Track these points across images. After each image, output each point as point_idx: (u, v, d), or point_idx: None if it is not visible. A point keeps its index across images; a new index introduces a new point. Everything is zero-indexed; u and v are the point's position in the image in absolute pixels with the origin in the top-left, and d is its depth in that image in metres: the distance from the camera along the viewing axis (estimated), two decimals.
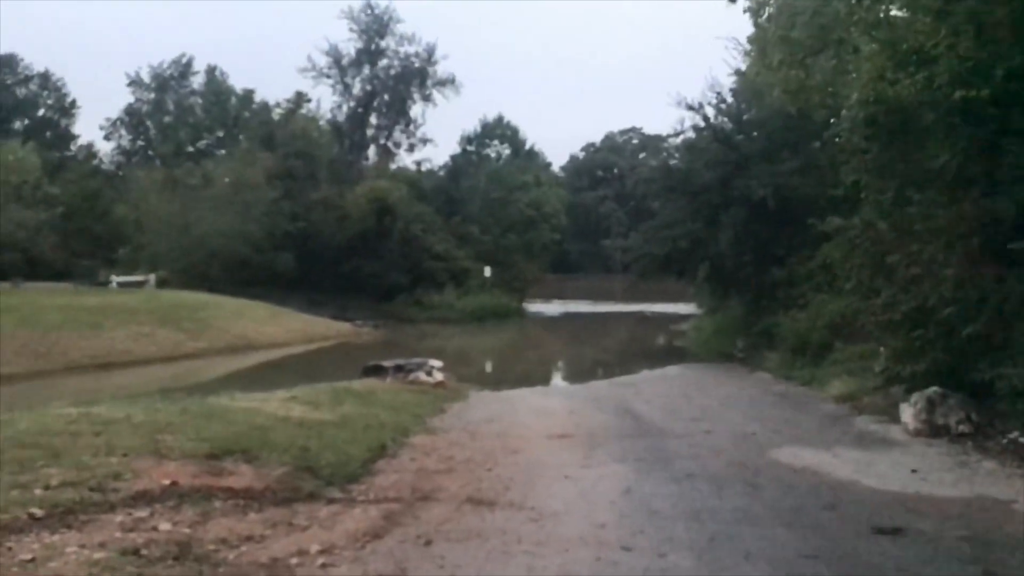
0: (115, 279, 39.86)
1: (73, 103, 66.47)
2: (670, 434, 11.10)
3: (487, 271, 41.94)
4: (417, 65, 50.85)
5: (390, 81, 50.88)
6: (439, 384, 16.38)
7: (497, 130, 49.98)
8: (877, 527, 6.15)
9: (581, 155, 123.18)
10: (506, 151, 49.79)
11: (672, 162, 22.39)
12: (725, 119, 21.78)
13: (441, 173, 49.12)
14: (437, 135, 52.08)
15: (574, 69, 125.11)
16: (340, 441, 8.93)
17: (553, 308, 49.84)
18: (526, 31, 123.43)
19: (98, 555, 4.55)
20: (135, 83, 65.93)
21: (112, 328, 24.57)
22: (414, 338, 33.37)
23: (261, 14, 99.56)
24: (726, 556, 5.50)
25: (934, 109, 10.86)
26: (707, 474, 8.20)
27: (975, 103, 9.66)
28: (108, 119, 67.08)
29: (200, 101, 64.91)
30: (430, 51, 50.49)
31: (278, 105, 52.07)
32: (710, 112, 21.95)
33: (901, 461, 8.74)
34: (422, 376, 16.36)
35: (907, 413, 10.49)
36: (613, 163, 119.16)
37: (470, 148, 49.43)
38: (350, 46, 50.40)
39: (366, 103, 50.77)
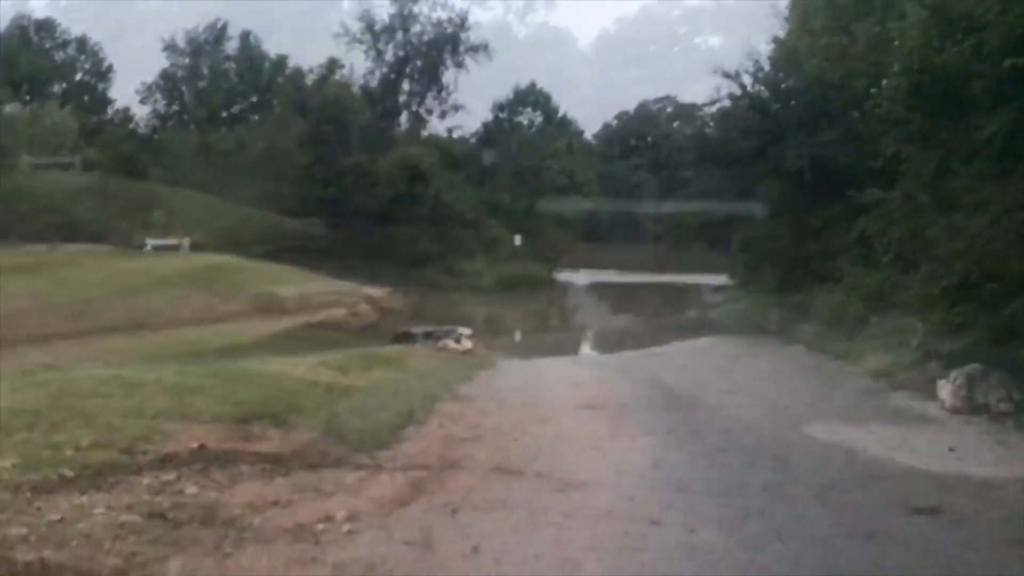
0: (150, 242, 40.19)
1: (110, 68, 66.70)
2: (701, 406, 10.99)
3: (517, 239, 41.73)
4: (449, 31, 50.41)
5: (423, 47, 50.47)
6: (467, 352, 16.39)
7: (529, 97, 49.47)
8: (914, 507, 6.00)
9: (614, 123, 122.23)
10: (538, 118, 49.29)
11: (707, 131, 21.93)
12: (762, 88, 21.30)
13: (472, 140, 48.78)
14: (469, 102, 51.72)
15: (606, 37, 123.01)
16: (368, 407, 8.91)
17: (584, 278, 49.57)
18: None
19: (125, 517, 4.56)
20: (170, 48, 66.16)
21: (146, 291, 24.82)
22: (444, 305, 33.39)
23: None
24: (757, 533, 5.40)
25: (982, 78, 10.49)
26: (738, 448, 8.09)
27: None
28: (144, 83, 67.78)
29: (234, 66, 65.01)
30: (463, 17, 50.09)
31: (311, 71, 51.99)
32: (747, 81, 21.48)
33: (938, 439, 8.56)
34: (451, 344, 16.37)
35: (945, 390, 10.25)
36: (647, 132, 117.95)
37: (502, 115, 49.03)
38: (383, 12, 50.17)
39: (399, 69, 50.47)
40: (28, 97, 52.83)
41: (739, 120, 21.17)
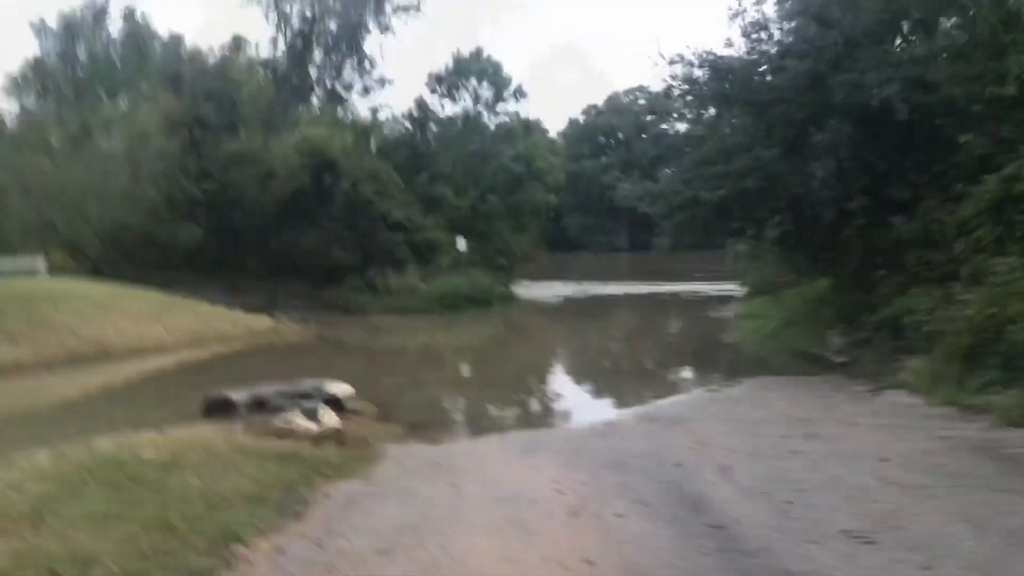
0: None
1: None
2: None
3: (461, 244, 35.24)
4: None
5: (337, 5, 43.98)
6: (328, 433, 9.81)
7: (474, 66, 43.08)
8: None
9: (581, 119, 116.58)
10: (487, 92, 42.93)
11: (727, 60, 15.66)
12: None
13: (403, 121, 42.24)
14: (399, 77, 45.34)
15: (572, 22, 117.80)
16: None
17: (551, 291, 43.26)
18: None
19: None
20: (41, 31, 59.25)
21: None
22: (356, 335, 26.80)
23: None
24: None
25: None
26: None
27: None
28: (7, 75, 60.71)
29: (119, 50, 58.30)
30: None
31: (211, 51, 45.46)
32: None
33: None
34: (298, 421, 9.76)
35: None
36: (617, 127, 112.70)
37: (440, 88, 42.57)
38: None
39: (307, 33, 43.88)
40: None
41: (781, 34, 14.85)
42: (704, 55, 15.60)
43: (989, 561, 5.55)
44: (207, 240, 35.50)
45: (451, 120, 42.59)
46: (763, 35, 15.42)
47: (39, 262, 33.12)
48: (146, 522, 6.35)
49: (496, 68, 43.96)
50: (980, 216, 12.35)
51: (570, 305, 37.59)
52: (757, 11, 15.37)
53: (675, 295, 38.97)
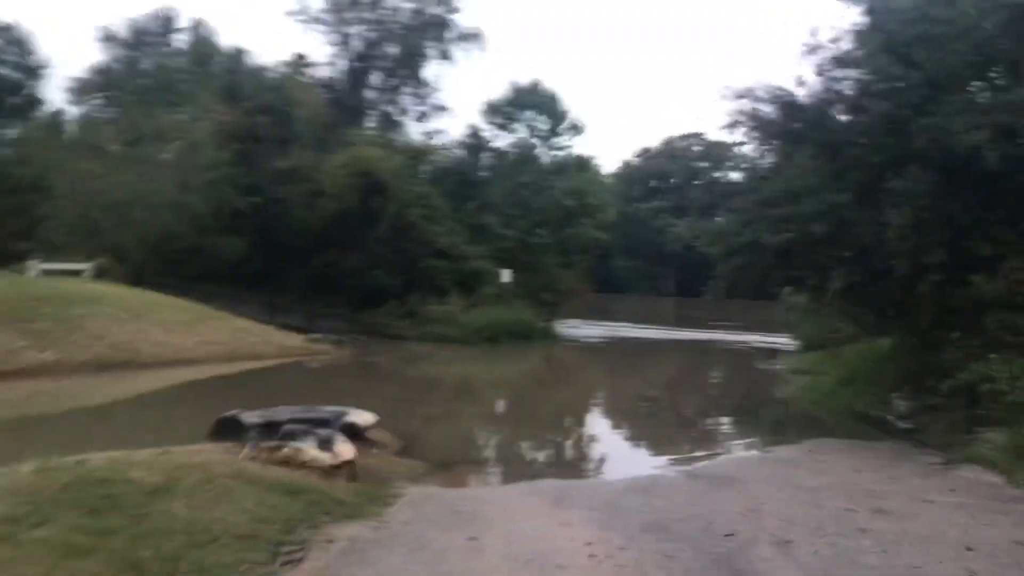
0: (37, 265, 33.21)
1: (42, 63, 60.51)
2: None
3: (506, 275, 34.37)
4: (434, 12, 43.70)
5: (399, 30, 43.80)
6: (342, 466, 8.94)
7: (531, 97, 42.51)
8: None
9: (635, 161, 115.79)
10: (542, 124, 42.28)
11: (798, 99, 14.68)
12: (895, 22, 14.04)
13: (456, 149, 41.68)
14: (456, 106, 44.89)
15: (632, 63, 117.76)
16: None
17: (594, 331, 42.18)
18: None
19: None
20: (109, 39, 60.29)
21: None
22: (390, 361, 26.03)
23: None
24: None
25: None
26: None
27: None
28: (76, 80, 61.79)
29: (183, 61, 59.08)
30: None
31: (272, 68, 45.64)
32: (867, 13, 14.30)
33: None
34: (309, 450, 8.90)
35: None
36: (671, 172, 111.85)
37: (495, 119, 42.04)
38: None
39: (366, 56, 43.72)
40: None
41: (858, 76, 13.82)
42: (775, 90, 14.66)
43: None
44: (250, 254, 35.13)
45: (504, 150, 41.97)
46: (839, 73, 14.40)
47: (85, 265, 33.05)
48: (113, 558, 5.55)
49: (553, 100, 43.32)
50: None
51: (613, 347, 36.48)
52: (835, 46, 14.38)
53: (722, 344, 37.62)
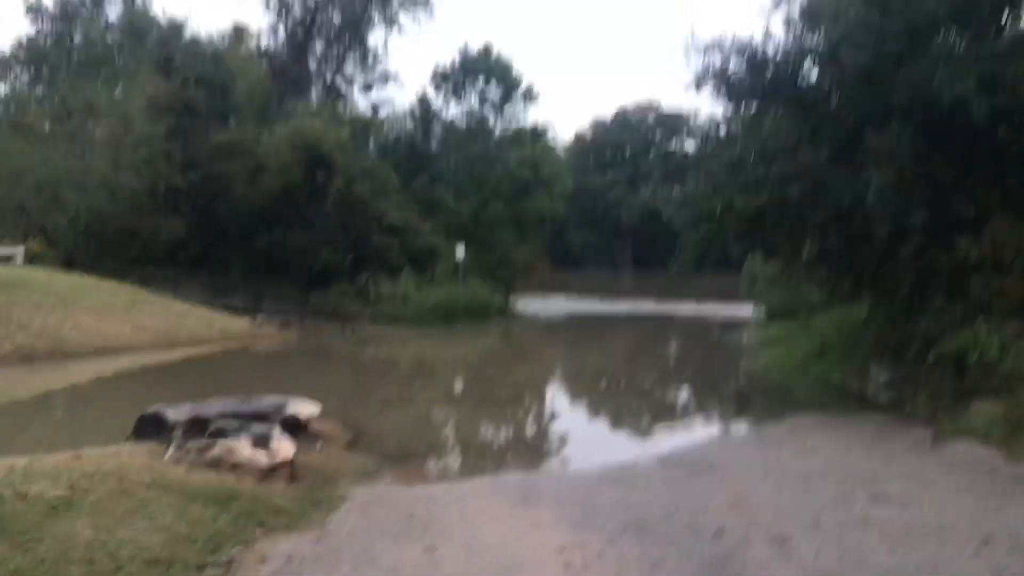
0: None
1: None
2: None
3: (460, 251, 33.40)
4: None
5: None
6: (280, 466, 8.01)
7: (482, 64, 41.35)
8: None
9: (588, 133, 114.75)
10: (494, 93, 41.17)
11: (768, 55, 13.85)
12: None
13: (405, 120, 40.41)
14: (405, 76, 43.51)
15: (583, 29, 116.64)
16: None
17: (552, 307, 41.51)
18: None
19: None
20: (36, 11, 57.78)
21: None
22: (340, 344, 25.00)
23: None
24: None
25: None
26: None
27: None
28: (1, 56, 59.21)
29: (116, 34, 56.83)
30: None
31: (210, 40, 43.87)
32: None
33: None
34: (243, 449, 7.94)
35: None
36: (625, 143, 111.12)
37: (445, 87, 40.83)
38: None
39: (308, 24, 42.21)
40: None
41: (833, 21, 13.01)
42: (743, 44, 13.83)
43: None
44: (190, 235, 33.66)
45: (455, 120, 40.86)
46: (810, 25, 13.62)
47: (15, 250, 31.43)
48: None
49: (505, 68, 42.25)
50: None
51: (573, 323, 35.80)
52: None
53: (684, 316, 37.17)
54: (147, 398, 14.65)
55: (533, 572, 5.76)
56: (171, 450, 8.27)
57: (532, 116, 41.62)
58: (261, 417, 9.22)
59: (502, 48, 39.42)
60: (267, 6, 42.49)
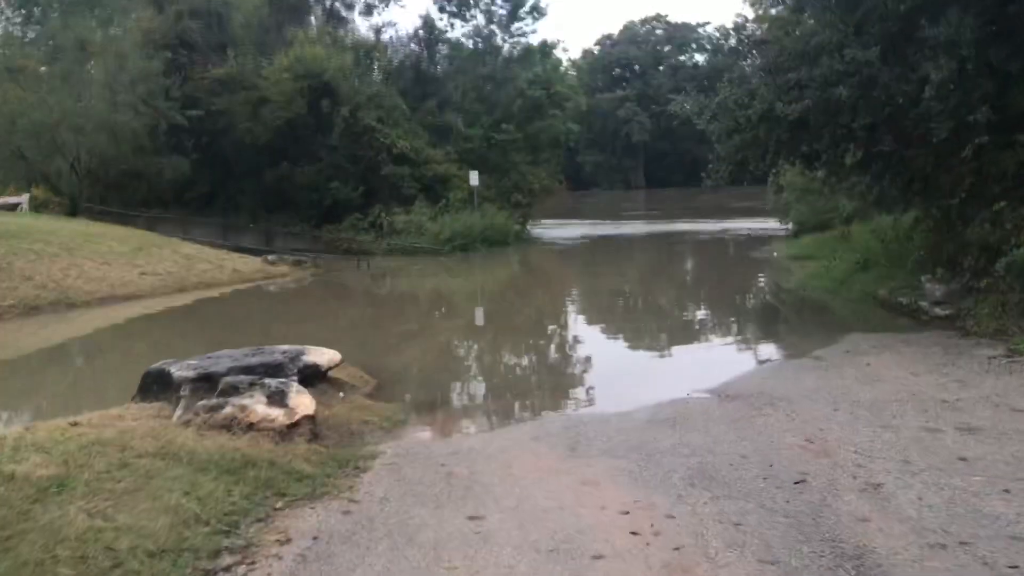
0: None
1: None
2: None
3: (474, 178, 32.31)
4: None
5: None
6: (299, 423, 7.23)
7: None
8: None
9: (596, 50, 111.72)
10: (500, 10, 39.50)
11: None
12: None
13: (409, 44, 38.87)
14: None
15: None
16: None
17: (569, 230, 40.52)
18: None
19: None
20: None
21: None
22: (356, 279, 24.22)
23: None
24: None
25: None
26: None
27: None
28: None
29: None
30: None
31: None
32: None
33: None
34: (257, 407, 7.16)
35: None
36: (633, 58, 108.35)
37: (449, 7, 39.16)
38: None
39: None
40: None
41: None
42: None
43: None
44: (196, 174, 32.79)
45: (461, 41, 39.30)
46: None
47: (22, 199, 30.67)
48: None
49: None
50: None
51: (594, 245, 34.83)
52: None
53: (707, 233, 36.13)
54: (155, 349, 13.99)
55: (599, 545, 4.96)
56: (179, 411, 7.50)
57: (540, 34, 39.75)
58: (276, 369, 8.42)
59: None
60: None
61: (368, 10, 40.85)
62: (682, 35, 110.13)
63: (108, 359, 13.95)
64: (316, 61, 30.96)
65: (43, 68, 33.48)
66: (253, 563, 4.84)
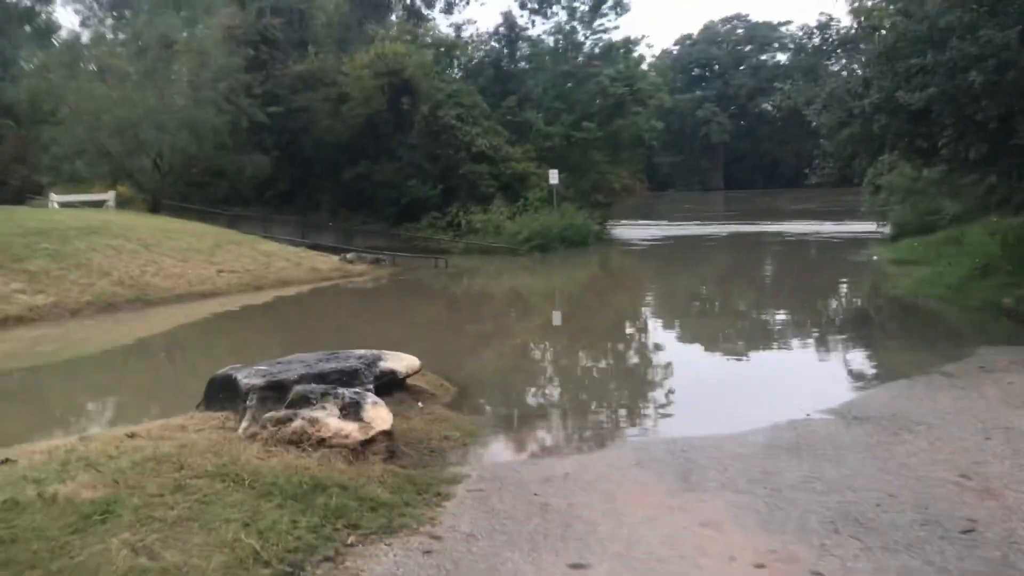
0: (55, 198, 31.25)
1: None
2: None
3: (553, 176, 31.40)
4: None
5: None
6: (375, 440, 6.44)
7: None
8: None
9: (674, 50, 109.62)
10: (582, 6, 38.50)
11: None
12: None
13: (490, 41, 38.13)
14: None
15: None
16: None
17: (649, 231, 39.33)
18: None
19: None
20: None
21: None
22: (433, 278, 23.53)
23: None
24: None
25: None
26: None
27: None
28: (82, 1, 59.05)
29: None
30: None
31: None
32: None
33: None
34: (329, 420, 6.39)
35: None
36: (713, 58, 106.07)
37: (530, 4, 38.29)
38: None
39: None
40: None
41: None
42: None
43: None
44: (276, 172, 32.66)
45: (542, 38, 38.37)
46: None
47: (108, 196, 30.93)
48: None
49: None
50: None
51: (677, 247, 33.58)
52: None
53: (793, 235, 34.55)
54: (230, 349, 13.46)
55: None
56: (244, 423, 6.79)
57: (623, 30, 38.60)
58: (351, 376, 7.68)
59: None
60: None
61: (448, 8, 40.42)
62: (763, 34, 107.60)
63: (181, 359, 13.48)
64: (396, 58, 30.45)
65: (131, 69, 33.73)
66: None
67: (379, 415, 6.73)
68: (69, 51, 41.54)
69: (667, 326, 15.50)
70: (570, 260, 27.80)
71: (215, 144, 31.01)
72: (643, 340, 13.99)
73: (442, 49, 35.07)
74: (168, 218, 26.84)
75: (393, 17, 40.62)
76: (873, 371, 10.43)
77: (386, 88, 30.52)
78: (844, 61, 13.32)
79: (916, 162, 14.27)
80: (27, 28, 55.69)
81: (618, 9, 37.46)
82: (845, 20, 13.99)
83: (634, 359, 12.31)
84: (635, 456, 6.78)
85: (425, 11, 40.54)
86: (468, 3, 40.04)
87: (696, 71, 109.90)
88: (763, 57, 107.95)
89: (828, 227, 37.20)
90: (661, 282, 23.25)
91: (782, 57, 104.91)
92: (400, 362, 8.48)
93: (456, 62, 36.38)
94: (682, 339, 14.06)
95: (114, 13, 57.93)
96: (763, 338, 13.38)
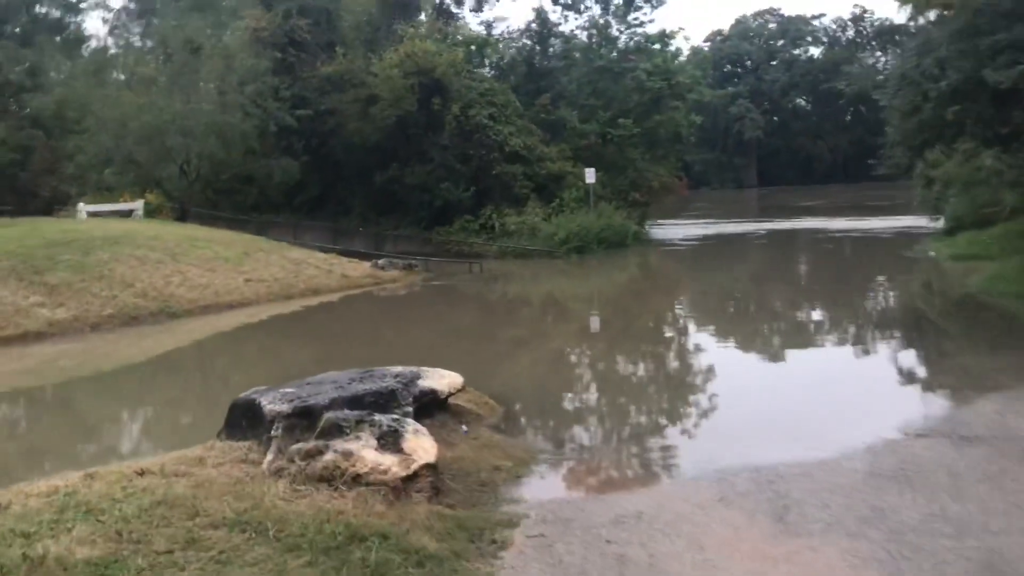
0: (84, 208, 30.86)
1: None
2: None
3: (590, 176, 30.48)
4: None
5: None
6: (417, 475, 5.55)
7: None
8: None
9: (706, 47, 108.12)
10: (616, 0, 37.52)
11: None
12: None
13: (521, 38, 37.33)
14: None
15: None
16: None
17: (689, 230, 38.28)
18: None
19: None
20: None
21: None
22: (468, 284, 22.74)
23: None
24: None
25: None
26: None
27: None
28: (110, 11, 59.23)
29: None
30: None
31: None
32: None
33: None
34: (364, 453, 5.52)
35: None
36: (745, 54, 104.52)
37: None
38: None
39: None
40: None
41: None
42: None
43: None
44: (306, 177, 32.08)
45: (575, 33, 37.48)
46: None
47: (137, 205, 30.52)
48: None
49: None
50: None
51: (720, 246, 32.52)
52: None
53: (840, 231, 33.33)
54: (255, 365, 12.74)
55: None
56: (269, 455, 6.00)
57: (658, 23, 37.58)
58: (387, 397, 6.88)
59: None
60: None
61: (478, 5, 39.58)
62: (796, 28, 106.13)
63: (202, 376, 12.79)
64: (426, 57, 29.72)
65: (158, 76, 33.33)
66: None
67: (422, 445, 5.91)
68: (96, 59, 41.38)
69: (725, 334, 14.48)
70: (610, 262, 26.87)
71: (243, 149, 30.49)
72: (702, 350, 12.98)
73: (473, 47, 34.30)
74: (195, 226, 26.27)
75: (422, 16, 39.91)
76: (962, 380, 9.40)
77: (416, 88, 29.79)
78: (921, 38, 12.28)
79: (993, 149, 13.21)
80: (57, 39, 55.77)
81: (653, 2, 36.44)
82: (879, 11, 13.05)
83: (695, 372, 11.35)
84: (717, 490, 5.89)
85: (455, 9, 39.76)
86: (499, 0, 39.00)
87: (728, 67, 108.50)
88: (796, 51, 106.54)
89: (872, 222, 35.92)
90: (710, 284, 22.24)
91: (815, 51, 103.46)
92: (441, 380, 7.67)
93: (487, 60, 35.62)
94: (744, 348, 13.06)
95: (142, 20, 58.01)
96: (832, 344, 12.42)
